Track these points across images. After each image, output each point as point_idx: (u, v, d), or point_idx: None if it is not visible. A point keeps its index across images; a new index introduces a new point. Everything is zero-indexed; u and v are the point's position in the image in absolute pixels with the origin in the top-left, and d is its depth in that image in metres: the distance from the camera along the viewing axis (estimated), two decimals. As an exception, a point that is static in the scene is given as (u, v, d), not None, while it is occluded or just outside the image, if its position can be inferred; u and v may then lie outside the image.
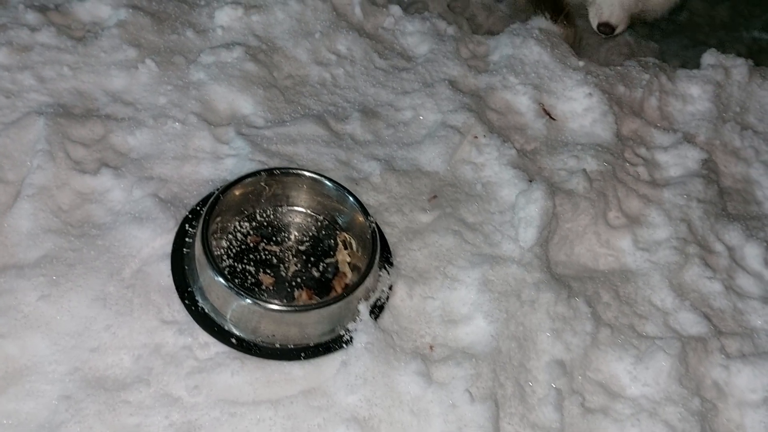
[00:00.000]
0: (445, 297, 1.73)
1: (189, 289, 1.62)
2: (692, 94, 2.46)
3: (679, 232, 2.00)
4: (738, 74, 2.51)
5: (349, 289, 1.61)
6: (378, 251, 1.68)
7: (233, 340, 1.56)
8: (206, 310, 1.59)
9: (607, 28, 2.42)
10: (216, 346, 1.57)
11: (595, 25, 2.47)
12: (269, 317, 1.55)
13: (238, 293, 1.54)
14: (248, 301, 1.53)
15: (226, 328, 1.57)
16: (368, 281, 1.64)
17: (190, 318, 1.60)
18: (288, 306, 1.57)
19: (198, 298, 1.61)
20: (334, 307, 1.59)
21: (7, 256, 1.64)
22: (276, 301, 1.56)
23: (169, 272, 1.65)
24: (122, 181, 1.80)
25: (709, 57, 2.57)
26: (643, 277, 1.93)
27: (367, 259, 1.67)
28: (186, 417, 1.46)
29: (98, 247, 1.67)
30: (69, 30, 2.16)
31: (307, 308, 1.58)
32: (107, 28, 2.16)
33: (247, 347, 1.56)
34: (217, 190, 1.71)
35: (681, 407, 1.65)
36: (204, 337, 1.58)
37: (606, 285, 1.89)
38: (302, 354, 1.58)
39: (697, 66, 2.59)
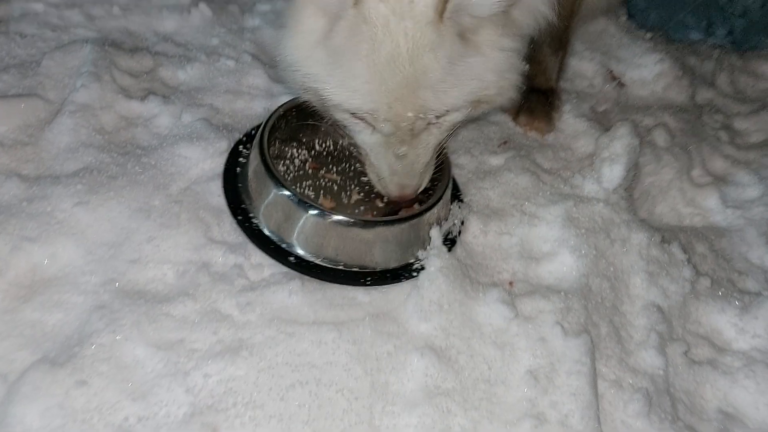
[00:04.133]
0: (524, 234, 1.55)
1: (242, 206, 1.45)
2: (765, 72, 2.33)
3: (772, 191, 1.82)
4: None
5: (419, 211, 1.43)
6: (450, 176, 1.51)
7: (292, 259, 1.38)
8: (261, 228, 1.42)
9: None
10: (271, 268, 1.39)
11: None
12: (334, 232, 1.37)
13: (301, 202, 1.36)
14: (312, 212, 1.36)
15: (284, 246, 1.39)
16: (439, 207, 1.47)
17: (241, 239, 1.43)
18: (354, 218, 1.39)
19: (253, 215, 1.43)
20: (403, 226, 1.41)
21: (42, 168, 1.49)
22: (342, 214, 1.38)
23: (220, 192, 1.49)
24: (171, 108, 1.67)
25: (780, 38, 2.46)
26: (738, 233, 1.74)
27: (438, 187, 1.50)
28: (237, 334, 1.26)
29: (143, 163, 1.52)
30: (120, -23, 2.09)
31: (373, 223, 1.41)
32: (160, -24, 2.08)
33: (307, 267, 1.37)
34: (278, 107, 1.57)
35: (802, 358, 1.43)
36: (258, 257, 1.40)
37: (698, 237, 1.70)
38: (368, 279, 1.38)
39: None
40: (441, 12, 1.16)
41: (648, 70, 2.15)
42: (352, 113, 1.29)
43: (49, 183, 1.42)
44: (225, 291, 1.32)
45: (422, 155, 1.35)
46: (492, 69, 1.26)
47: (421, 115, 1.24)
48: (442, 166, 1.53)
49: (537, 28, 1.41)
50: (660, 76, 2.13)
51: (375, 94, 1.21)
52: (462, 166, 1.70)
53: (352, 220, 1.37)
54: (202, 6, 1.98)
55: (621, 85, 2.13)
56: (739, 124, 2.09)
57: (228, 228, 1.45)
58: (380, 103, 1.22)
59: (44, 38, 1.82)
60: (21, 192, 1.40)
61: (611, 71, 2.15)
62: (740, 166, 1.90)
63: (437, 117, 1.28)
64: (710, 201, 1.82)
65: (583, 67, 2.16)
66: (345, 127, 1.40)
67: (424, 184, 1.40)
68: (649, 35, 2.26)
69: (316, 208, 1.37)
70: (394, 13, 1.16)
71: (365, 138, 1.35)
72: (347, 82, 1.23)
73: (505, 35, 1.26)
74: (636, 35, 2.25)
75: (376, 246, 1.39)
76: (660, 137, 1.85)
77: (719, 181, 1.86)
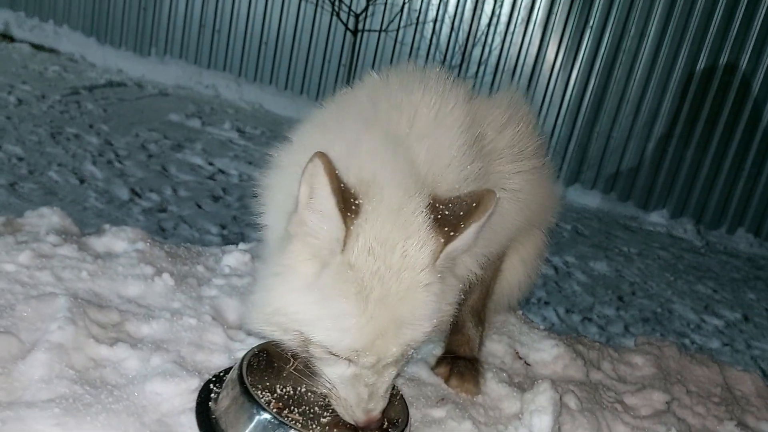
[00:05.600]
0: (476, 473, 1.66)
1: (216, 436, 1.50)
2: (637, 362, 2.76)
3: (674, 451, 2.07)
4: (669, 351, 2.89)
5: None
6: (408, 414, 1.66)
7: (266, 486, 1.41)
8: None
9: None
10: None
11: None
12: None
13: (282, 425, 1.45)
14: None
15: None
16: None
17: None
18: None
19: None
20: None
21: (14, 395, 1.50)
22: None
23: (192, 425, 1.54)
24: (139, 353, 1.76)
25: (642, 338, 2.97)
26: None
27: (400, 422, 1.64)
28: None
29: (116, 396, 1.57)
30: (88, 249, 2.30)
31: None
32: (126, 252, 2.32)
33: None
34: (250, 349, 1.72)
35: None
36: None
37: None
38: None
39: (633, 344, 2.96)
40: (437, 258, 1.44)
41: (547, 353, 2.51)
42: (335, 354, 1.46)
43: (24, 407, 1.43)
44: None
45: (386, 381, 1.53)
46: (447, 300, 1.53)
47: (403, 350, 1.44)
48: (398, 402, 1.70)
49: (467, 280, 1.75)
50: (558, 358, 2.49)
51: (363, 333, 1.39)
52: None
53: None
54: (165, 276, 2.20)
55: (527, 364, 2.46)
56: (629, 400, 2.42)
57: (200, 458, 1.47)
58: (366, 341, 1.41)
59: (13, 292, 1.93)
60: (-7, 414, 1.40)
61: (517, 352, 2.49)
62: None
63: (414, 348, 1.49)
64: (625, 461, 2.04)
65: (494, 348, 2.49)
66: (318, 363, 1.56)
67: (385, 404, 1.55)
68: (543, 326, 2.69)
69: (294, 429, 1.45)
70: (388, 267, 1.38)
71: (338, 372, 1.51)
72: (336, 323, 1.40)
73: (452, 277, 1.58)
74: (532, 326, 2.66)
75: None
76: (571, 401, 2.12)
77: (627, 443, 2.11)
